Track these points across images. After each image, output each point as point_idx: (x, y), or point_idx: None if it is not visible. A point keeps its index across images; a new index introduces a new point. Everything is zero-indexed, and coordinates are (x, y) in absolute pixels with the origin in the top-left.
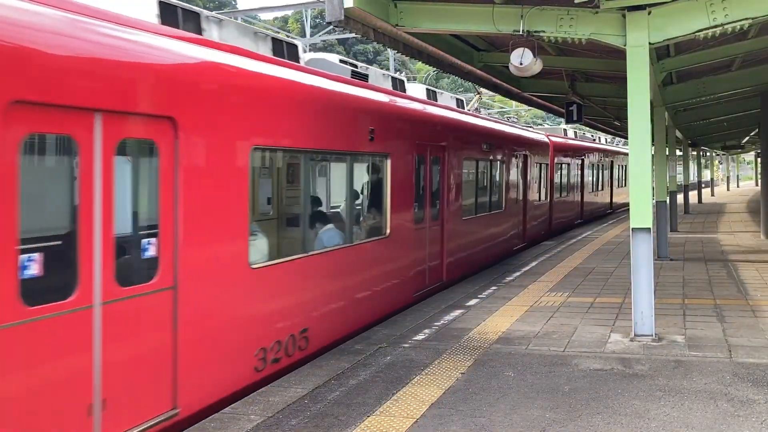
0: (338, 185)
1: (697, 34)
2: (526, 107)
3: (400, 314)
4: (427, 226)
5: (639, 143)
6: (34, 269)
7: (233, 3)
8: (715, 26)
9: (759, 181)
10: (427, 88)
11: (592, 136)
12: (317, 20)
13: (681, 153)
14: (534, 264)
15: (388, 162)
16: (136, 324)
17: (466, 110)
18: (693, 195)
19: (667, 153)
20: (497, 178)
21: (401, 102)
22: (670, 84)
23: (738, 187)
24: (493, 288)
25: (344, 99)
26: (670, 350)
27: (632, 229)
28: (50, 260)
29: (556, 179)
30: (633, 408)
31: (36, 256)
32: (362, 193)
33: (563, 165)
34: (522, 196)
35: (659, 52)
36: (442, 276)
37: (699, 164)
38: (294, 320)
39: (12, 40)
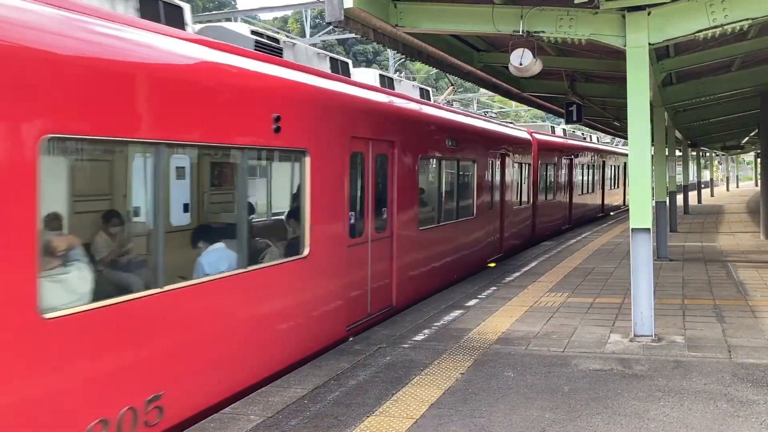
0: (224, 191)
1: (696, 34)
2: (525, 107)
3: (399, 314)
4: (369, 241)
5: (639, 144)
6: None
7: (233, 3)
8: (715, 27)
9: (758, 181)
10: (380, 74)
11: (583, 134)
12: (317, 20)
13: (680, 153)
14: (534, 264)
15: (307, 160)
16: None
17: (432, 102)
18: (693, 195)
19: (667, 153)
20: (466, 180)
21: (329, 85)
22: (670, 84)
23: (738, 187)
24: (493, 288)
25: (225, 74)
26: (670, 351)
27: (632, 229)
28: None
29: (541, 181)
30: (632, 408)
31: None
32: (266, 201)
33: (549, 165)
34: (499, 199)
35: (659, 53)
36: (391, 300)
37: (698, 164)
38: (137, 386)
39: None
